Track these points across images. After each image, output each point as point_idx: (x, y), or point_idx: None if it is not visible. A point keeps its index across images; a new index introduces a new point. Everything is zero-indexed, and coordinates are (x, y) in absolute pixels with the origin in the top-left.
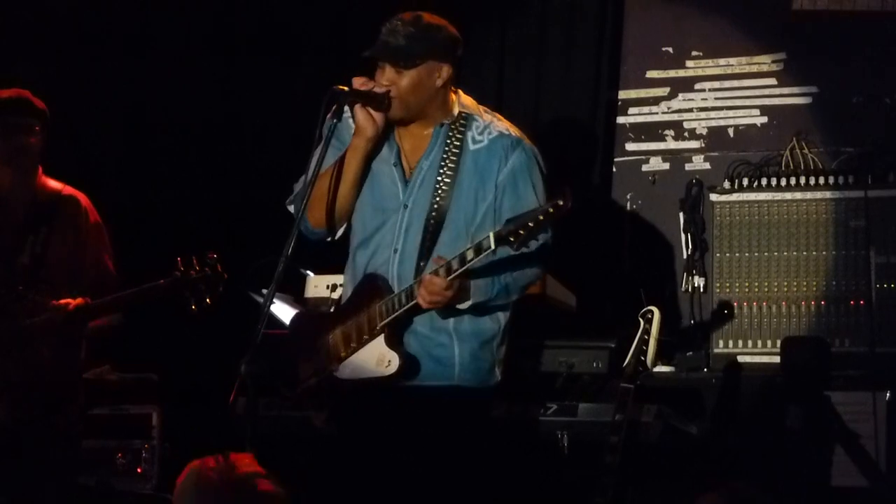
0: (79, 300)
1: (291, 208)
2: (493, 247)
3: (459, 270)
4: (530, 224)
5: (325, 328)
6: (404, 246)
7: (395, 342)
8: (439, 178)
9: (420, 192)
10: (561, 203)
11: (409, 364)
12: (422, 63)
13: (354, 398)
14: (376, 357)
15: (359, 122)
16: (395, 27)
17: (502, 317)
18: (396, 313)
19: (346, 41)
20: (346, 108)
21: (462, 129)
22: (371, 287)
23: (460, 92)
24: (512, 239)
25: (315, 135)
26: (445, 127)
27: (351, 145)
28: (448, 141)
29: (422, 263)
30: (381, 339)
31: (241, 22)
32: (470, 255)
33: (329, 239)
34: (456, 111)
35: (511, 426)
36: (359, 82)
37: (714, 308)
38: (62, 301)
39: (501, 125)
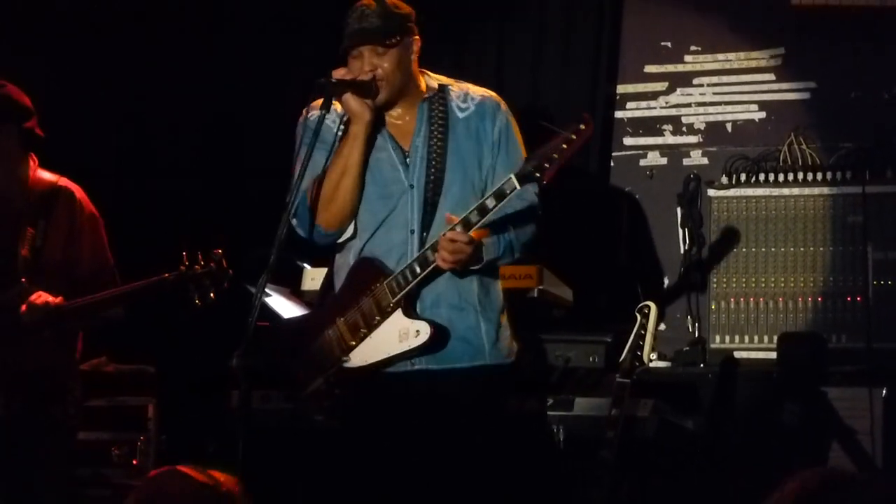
0: (58, 299)
1: (295, 221)
2: (517, 187)
3: (482, 221)
4: (554, 155)
5: (320, 324)
6: (420, 224)
7: (413, 313)
8: (430, 151)
9: (421, 169)
10: (583, 127)
11: (440, 331)
12: (400, 40)
13: (372, 387)
14: (398, 332)
15: (353, 110)
16: (363, 12)
17: (499, 283)
18: (411, 284)
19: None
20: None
21: (443, 100)
22: (367, 270)
23: (424, 70)
24: (538, 174)
25: (297, 131)
26: (427, 101)
27: (350, 134)
28: (433, 114)
29: (424, 234)
30: (397, 314)
31: (238, 11)
32: (491, 202)
33: (340, 240)
34: (435, 84)
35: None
36: (340, 73)
37: (711, 303)
38: (40, 300)
39: (477, 90)
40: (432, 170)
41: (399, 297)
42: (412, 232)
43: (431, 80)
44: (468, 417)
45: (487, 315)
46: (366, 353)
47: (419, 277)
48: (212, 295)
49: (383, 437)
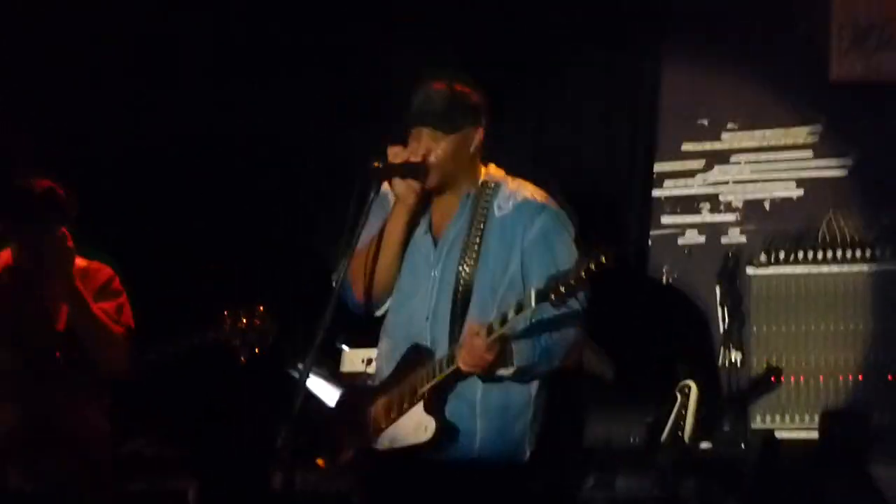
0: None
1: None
2: (533, 304)
3: (500, 331)
4: (571, 281)
5: (368, 401)
6: (436, 313)
7: (433, 408)
8: (466, 247)
9: (447, 259)
10: (603, 259)
11: (446, 430)
12: (462, 128)
13: (388, 470)
14: (414, 424)
15: (400, 192)
16: (429, 94)
17: (532, 387)
18: (436, 379)
19: (383, 113)
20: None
21: (489, 197)
22: (414, 357)
23: (490, 164)
24: (553, 296)
25: (349, 212)
26: (472, 196)
27: (393, 214)
28: (474, 209)
29: (455, 330)
30: (420, 405)
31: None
32: (511, 313)
33: (377, 313)
34: (489, 180)
35: (548, 500)
36: (394, 152)
37: (752, 382)
38: None
39: (527, 191)
40: (464, 266)
41: (425, 388)
42: (427, 319)
43: (491, 173)
44: None
45: (488, 412)
46: (389, 438)
47: (445, 373)
48: (256, 350)
49: None
